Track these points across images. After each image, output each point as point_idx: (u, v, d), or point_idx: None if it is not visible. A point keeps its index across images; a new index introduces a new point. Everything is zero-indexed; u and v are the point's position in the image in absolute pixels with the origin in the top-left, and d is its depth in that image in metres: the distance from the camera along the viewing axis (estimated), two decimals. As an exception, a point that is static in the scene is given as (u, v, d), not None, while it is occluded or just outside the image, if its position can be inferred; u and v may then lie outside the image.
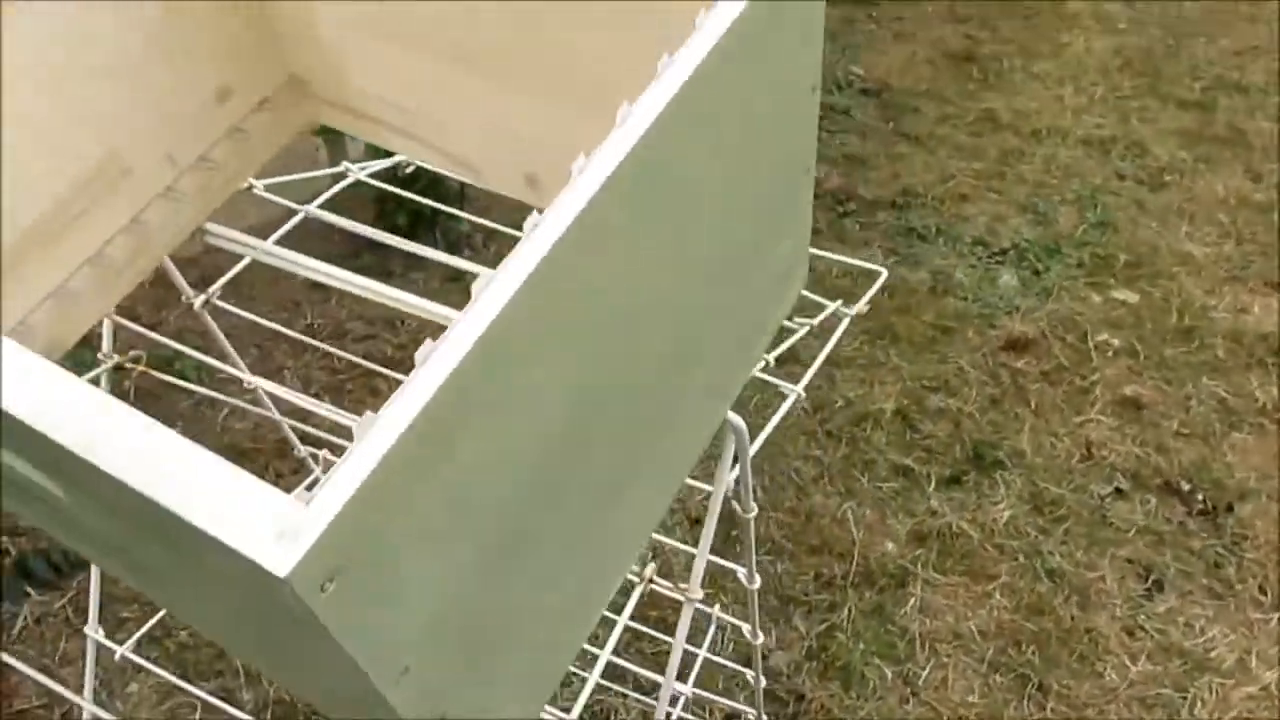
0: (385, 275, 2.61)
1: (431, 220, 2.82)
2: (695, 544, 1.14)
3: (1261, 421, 2.66)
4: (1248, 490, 2.47)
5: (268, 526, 0.47)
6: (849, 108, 3.83)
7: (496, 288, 0.56)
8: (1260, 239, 3.28)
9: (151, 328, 1.64)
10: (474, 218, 1.76)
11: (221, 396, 1.53)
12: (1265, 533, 2.38)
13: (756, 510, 1.14)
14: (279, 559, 0.46)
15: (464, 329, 0.55)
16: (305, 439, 1.69)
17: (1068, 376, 2.76)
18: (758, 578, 1.21)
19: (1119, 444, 2.58)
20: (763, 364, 1.17)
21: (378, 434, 0.51)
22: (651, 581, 1.07)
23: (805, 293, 1.65)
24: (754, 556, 1.24)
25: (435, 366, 0.54)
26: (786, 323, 1.33)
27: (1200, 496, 2.46)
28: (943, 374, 2.75)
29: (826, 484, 2.48)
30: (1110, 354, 2.84)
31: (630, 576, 1.17)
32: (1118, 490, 2.47)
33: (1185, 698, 2.07)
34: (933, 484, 2.47)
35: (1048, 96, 3.97)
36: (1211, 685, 2.09)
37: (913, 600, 2.25)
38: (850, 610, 2.23)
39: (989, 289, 3.04)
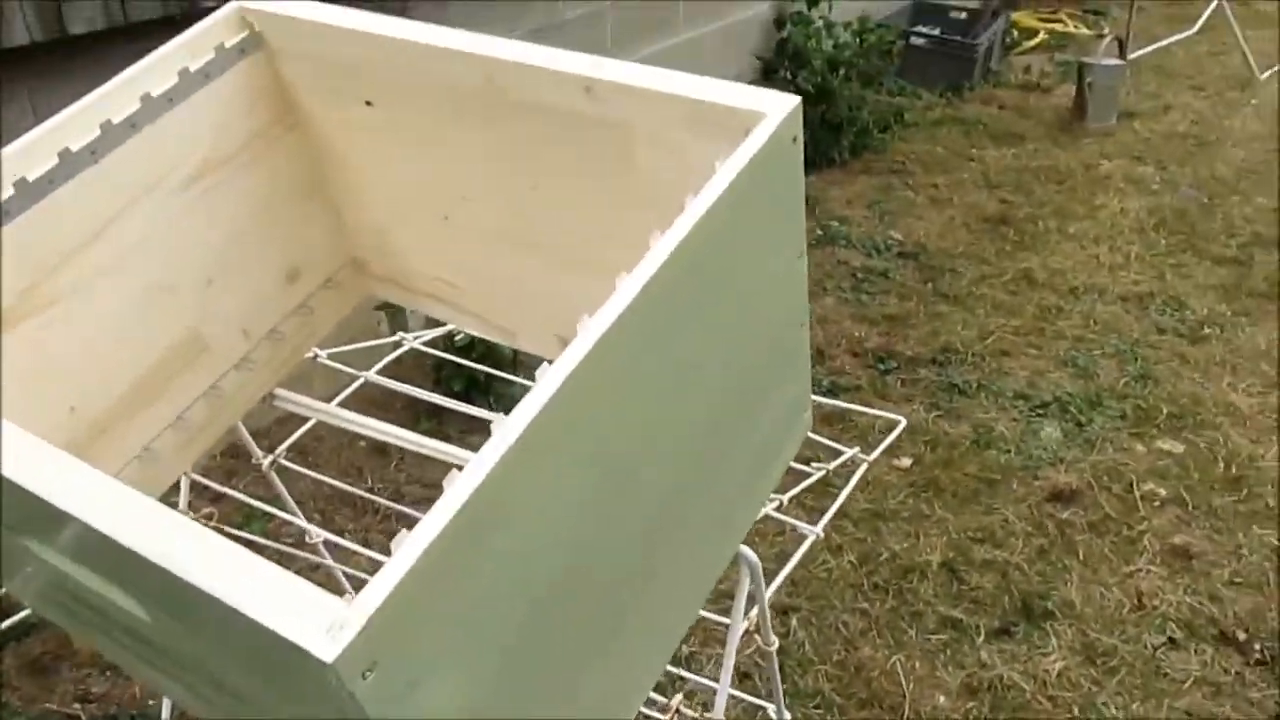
0: (443, 440, 2.75)
1: (486, 385, 2.97)
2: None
3: (1318, 569, 2.63)
4: (1307, 639, 2.43)
5: (319, 621, 0.57)
6: (888, 270, 3.98)
7: (513, 421, 0.67)
8: (1305, 387, 3.30)
9: (224, 492, 1.77)
10: (526, 381, 1.89)
11: (289, 549, 1.64)
12: (1328, 683, 2.33)
13: (777, 643, 1.20)
14: (328, 648, 0.56)
15: (484, 457, 0.66)
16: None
17: (1115, 526, 2.77)
18: (787, 714, 1.26)
19: (1170, 593, 2.56)
20: (776, 504, 1.25)
21: (410, 546, 0.61)
22: (678, 713, 1.12)
23: (834, 443, 1.74)
24: (780, 692, 1.29)
25: (458, 490, 0.64)
26: (804, 467, 1.42)
27: (1257, 646, 2.42)
28: (988, 525, 2.78)
29: (875, 636, 2.49)
30: (1157, 504, 2.85)
31: (653, 711, 1.23)
32: (1171, 640, 2.44)
33: None
34: (982, 636, 2.47)
35: (1083, 256, 4.08)
36: (1281, 843, 2.02)
37: (965, 756, 2.23)
38: (902, 766, 2.22)
39: (1032, 441, 3.08)
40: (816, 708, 2.33)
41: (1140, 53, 5.85)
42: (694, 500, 0.92)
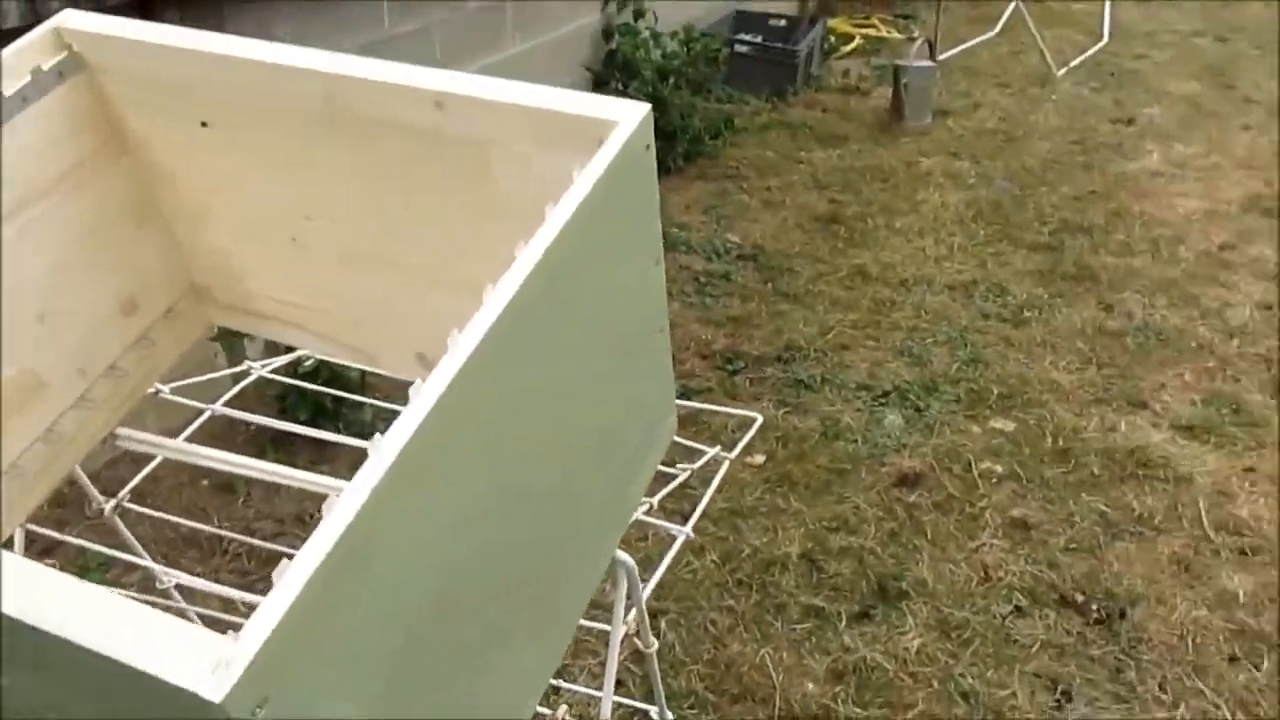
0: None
1: (335, 412, 2.89)
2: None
3: (1141, 530, 2.82)
4: (1137, 596, 2.61)
5: (202, 660, 0.54)
6: (729, 272, 4.07)
7: (389, 442, 0.66)
8: (1118, 362, 3.54)
9: (61, 540, 1.67)
10: (378, 402, 1.85)
11: (136, 596, 1.55)
12: (1158, 634, 2.50)
13: (657, 644, 1.21)
14: (214, 688, 0.53)
15: (362, 480, 0.64)
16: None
17: (958, 505, 2.90)
18: (669, 715, 1.27)
19: (1013, 564, 2.71)
20: (646, 507, 1.26)
21: (292, 576, 0.59)
22: (564, 723, 1.12)
23: (692, 443, 1.76)
24: (662, 693, 1.31)
25: (338, 516, 0.63)
26: (668, 469, 1.44)
27: (1094, 606, 2.58)
28: (841, 514, 2.87)
29: (742, 631, 2.54)
30: (995, 480, 3.00)
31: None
32: (1017, 608, 2.58)
33: (1104, 803, 2.14)
34: (844, 621, 2.55)
35: (910, 249, 4.27)
36: (1127, 788, 2.16)
37: (837, 738, 2.29)
38: (777, 755, 2.26)
39: (876, 430, 3.20)
40: (691, 708, 2.36)
41: (949, 54, 6.18)
42: (568, 509, 0.92)
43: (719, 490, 2.97)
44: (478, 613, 0.82)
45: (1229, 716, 2.30)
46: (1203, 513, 2.87)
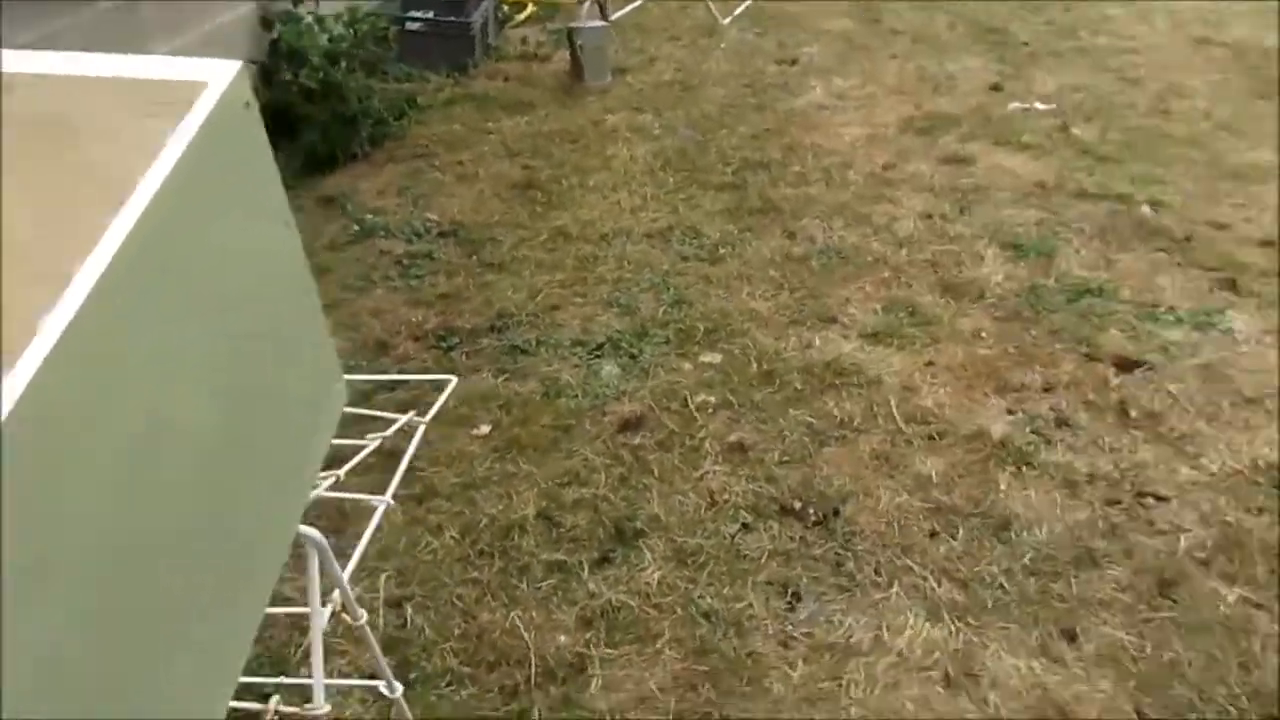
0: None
1: None
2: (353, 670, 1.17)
3: (844, 434, 3.04)
4: (847, 493, 2.81)
5: None
6: (431, 251, 4.02)
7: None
8: (807, 284, 3.78)
9: None
10: None
11: None
12: (868, 524, 2.71)
13: (365, 615, 1.19)
14: None
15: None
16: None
17: (679, 440, 3.02)
18: (399, 685, 1.26)
19: (735, 485, 2.85)
20: (332, 480, 1.23)
21: None
22: (277, 713, 1.08)
23: (390, 415, 1.73)
24: (385, 664, 1.29)
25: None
26: (362, 441, 1.41)
27: (811, 511, 2.77)
28: (572, 468, 2.93)
29: (490, 600, 2.54)
30: (710, 411, 3.14)
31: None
32: (744, 525, 2.72)
33: (841, 684, 2.30)
34: (586, 570, 2.61)
35: (607, 204, 4.37)
36: (859, 666, 2.34)
37: (595, 681, 2.35)
38: (539, 711, 2.29)
39: (595, 382, 3.28)
40: (448, 685, 2.35)
41: (621, 13, 6.32)
42: (230, 487, 0.89)
43: (449, 466, 2.97)
44: (146, 605, 0.77)
45: (935, 586, 2.54)
46: (894, 409, 3.12)
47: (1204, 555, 2.60)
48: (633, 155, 4.81)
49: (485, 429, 3.08)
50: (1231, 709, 2.22)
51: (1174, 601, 2.48)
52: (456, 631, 2.47)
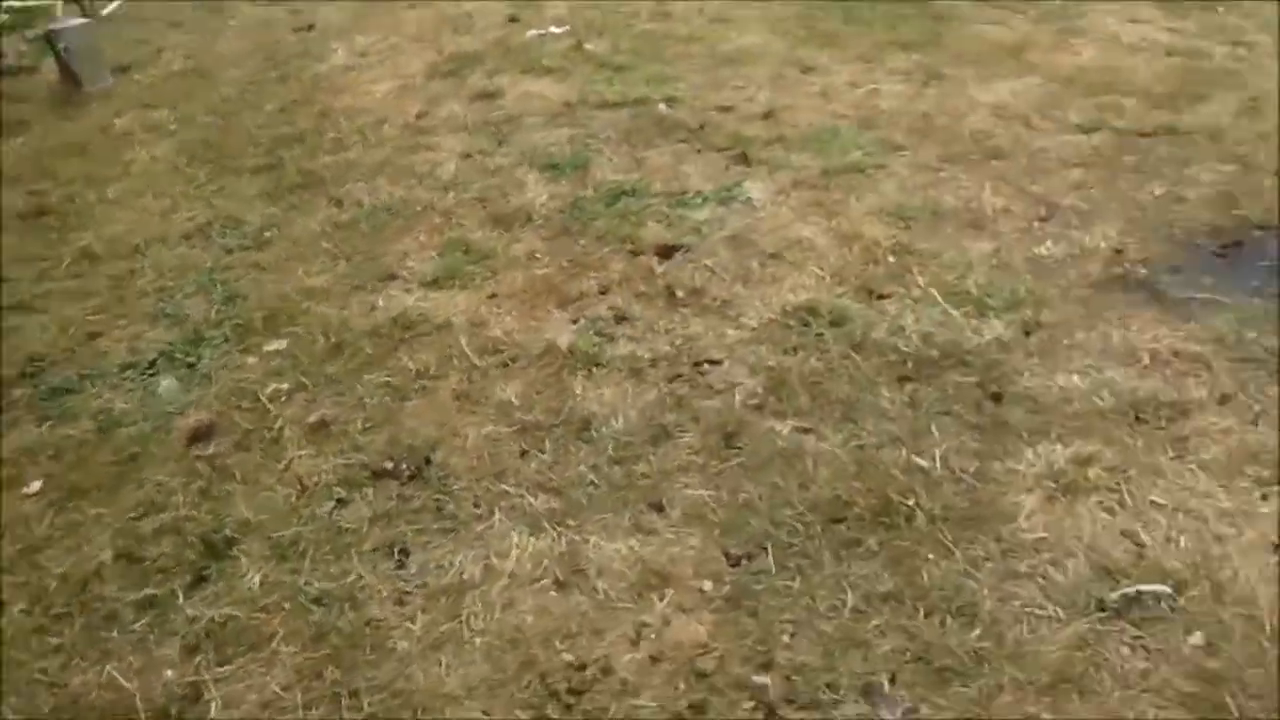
0: None
1: None
2: None
3: (423, 384, 3.05)
4: (435, 441, 2.84)
5: None
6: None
7: None
8: (361, 248, 3.73)
9: None
10: None
11: None
12: (460, 464, 2.76)
13: None
14: None
15: None
16: None
17: (257, 435, 2.91)
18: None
19: (325, 464, 2.79)
20: None
21: None
22: None
23: None
24: None
25: None
26: None
27: (404, 466, 2.77)
28: (145, 497, 2.73)
29: (80, 661, 2.34)
30: (285, 398, 3.04)
31: None
32: (339, 500, 2.68)
33: (461, 620, 2.34)
34: (181, 596, 2.46)
35: (134, 214, 4.07)
36: (475, 598, 2.39)
37: (214, 704, 2.22)
38: (161, 755, 2.15)
39: (154, 402, 3.06)
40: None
41: (111, 7, 5.83)
42: None
43: (3, 536, 2.68)
44: None
45: (533, 500, 2.63)
46: (465, 347, 3.18)
47: (757, 401, 2.88)
48: (153, 156, 4.49)
49: (37, 485, 2.80)
50: (799, 525, 2.49)
51: (739, 449, 2.73)
52: (47, 709, 2.25)
